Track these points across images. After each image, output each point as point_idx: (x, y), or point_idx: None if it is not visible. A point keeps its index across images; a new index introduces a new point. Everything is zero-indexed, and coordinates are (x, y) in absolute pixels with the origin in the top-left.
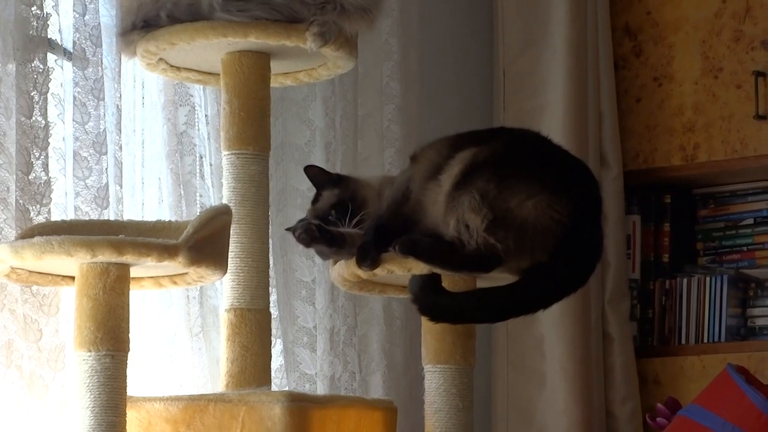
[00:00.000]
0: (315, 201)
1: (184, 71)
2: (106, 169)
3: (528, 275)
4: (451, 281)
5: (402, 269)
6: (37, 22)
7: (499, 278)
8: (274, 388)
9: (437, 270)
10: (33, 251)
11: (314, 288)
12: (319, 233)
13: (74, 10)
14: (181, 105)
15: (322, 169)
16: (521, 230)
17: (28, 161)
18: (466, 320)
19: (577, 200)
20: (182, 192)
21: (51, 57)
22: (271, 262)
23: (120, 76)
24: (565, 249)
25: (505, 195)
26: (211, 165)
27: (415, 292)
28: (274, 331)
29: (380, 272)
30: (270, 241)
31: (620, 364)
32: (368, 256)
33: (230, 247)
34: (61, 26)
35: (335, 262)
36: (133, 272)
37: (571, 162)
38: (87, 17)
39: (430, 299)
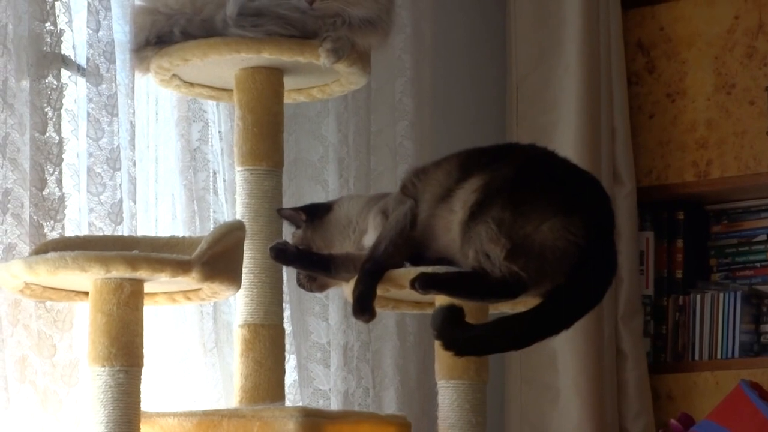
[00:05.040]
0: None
1: (198, 87)
2: (120, 184)
3: (546, 298)
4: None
5: None
6: (50, 39)
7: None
8: (287, 403)
9: (462, 300)
10: (47, 267)
11: (327, 303)
12: (294, 256)
13: (88, 27)
14: (194, 121)
15: (294, 210)
16: (541, 256)
17: (42, 177)
18: (491, 351)
19: (590, 219)
20: (196, 208)
21: (65, 73)
22: (284, 278)
23: (133, 92)
24: (581, 268)
25: (521, 221)
26: (224, 181)
27: (438, 327)
28: (287, 347)
29: (393, 289)
30: None
31: (633, 380)
32: (366, 309)
33: (244, 263)
34: (75, 42)
35: (320, 289)
36: (147, 288)
37: (581, 179)
38: (100, 33)
39: (454, 334)
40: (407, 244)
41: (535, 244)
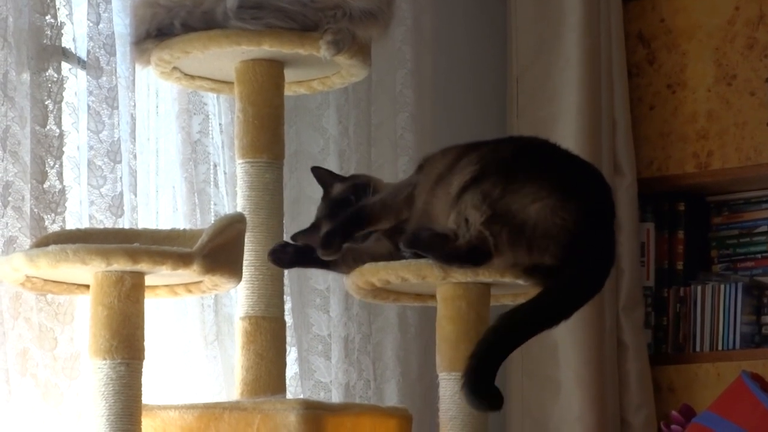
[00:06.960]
0: (326, 196)
1: (198, 80)
2: (121, 177)
3: (544, 289)
4: None
5: (416, 277)
6: (51, 31)
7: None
8: (288, 396)
9: (431, 260)
10: (48, 260)
11: (328, 296)
12: (292, 258)
13: (88, 19)
14: (195, 113)
15: (330, 171)
16: (518, 228)
17: (42, 170)
18: (501, 361)
19: (586, 207)
20: (196, 200)
21: (65, 66)
22: (285, 271)
23: (134, 85)
24: (576, 256)
25: (508, 199)
26: (225, 173)
27: (469, 394)
28: (288, 339)
29: (394, 280)
30: None
31: (635, 372)
32: (332, 244)
33: (245, 255)
34: (75, 35)
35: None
36: (148, 280)
37: (581, 168)
38: (101, 26)
39: (480, 389)
40: (394, 213)
41: (516, 218)
